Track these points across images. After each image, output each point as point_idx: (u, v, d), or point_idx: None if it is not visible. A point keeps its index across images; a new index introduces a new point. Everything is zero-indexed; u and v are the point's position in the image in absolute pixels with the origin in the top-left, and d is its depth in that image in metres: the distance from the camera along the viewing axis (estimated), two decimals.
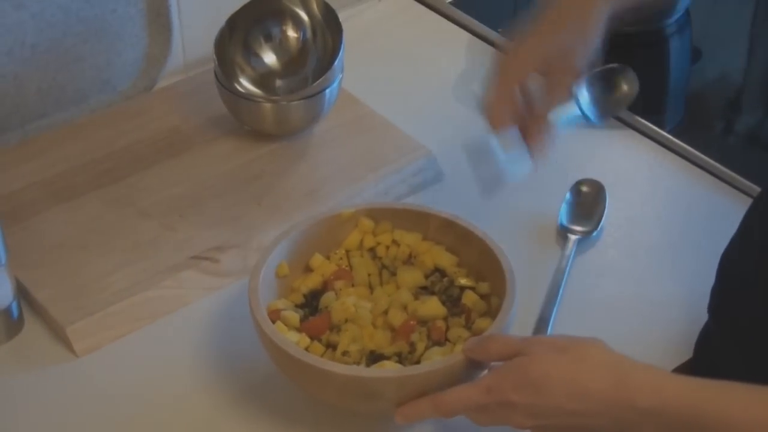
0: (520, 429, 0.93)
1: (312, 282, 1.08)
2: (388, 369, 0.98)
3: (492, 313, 1.03)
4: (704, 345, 1.07)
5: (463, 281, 1.07)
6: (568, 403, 0.89)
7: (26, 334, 1.12)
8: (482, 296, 1.06)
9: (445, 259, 1.09)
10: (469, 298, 1.06)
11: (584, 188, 1.25)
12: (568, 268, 1.16)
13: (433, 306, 1.05)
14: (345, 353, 1.00)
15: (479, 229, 1.08)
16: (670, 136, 1.34)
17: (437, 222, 1.10)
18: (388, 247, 1.11)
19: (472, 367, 0.96)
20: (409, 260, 1.10)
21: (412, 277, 1.08)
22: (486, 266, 1.06)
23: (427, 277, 1.08)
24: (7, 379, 1.08)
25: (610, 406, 0.87)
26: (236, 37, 1.31)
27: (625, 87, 1.20)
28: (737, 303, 1.01)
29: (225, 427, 1.03)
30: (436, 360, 0.97)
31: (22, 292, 1.12)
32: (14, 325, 1.11)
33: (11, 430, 1.03)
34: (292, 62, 1.33)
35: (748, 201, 1.25)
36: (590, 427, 0.90)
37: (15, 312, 1.11)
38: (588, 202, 1.24)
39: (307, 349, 1.01)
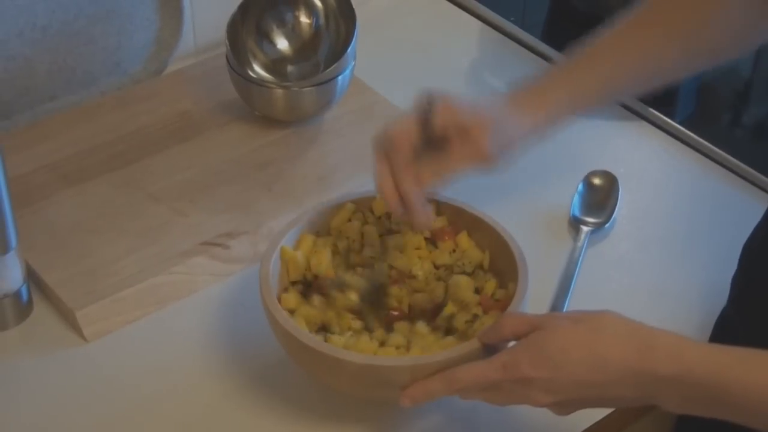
0: (538, 406, 0.91)
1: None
2: (402, 357, 0.97)
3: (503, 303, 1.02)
4: (721, 336, 1.07)
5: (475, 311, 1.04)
6: (587, 375, 0.88)
7: (36, 318, 1.11)
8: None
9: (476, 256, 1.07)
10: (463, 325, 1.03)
11: (596, 180, 1.25)
12: (580, 260, 1.16)
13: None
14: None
15: (489, 216, 1.07)
16: (681, 128, 1.34)
17: (448, 210, 1.09)
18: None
19: (488, 354, 0.94)
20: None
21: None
22: (496, 254, 1.06)
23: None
24: (16, 362, 1.08)
25: (631, 375, 0.86)
26: (248, 22, 1.30)
27: None
28: (762, 292, 1.01)
29: (234, 413, 1.03)
30: (451, 348, 0.96)
31: (31, 276, 1.12)
32: (24, 309, 1.11)
33: (20, 414, 1.03)
34: (305, 48, 1.33)
35: (759, 192, 1.26)
36: (609, 397, 0.89)
37: (25, 295, 1.11)
38: (600, 193, 1.23)
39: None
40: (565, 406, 0.91)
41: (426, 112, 1.03)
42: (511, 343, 0.94)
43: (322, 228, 1.08)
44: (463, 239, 1.07)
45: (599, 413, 1.03)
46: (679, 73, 1.13)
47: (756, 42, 1.11)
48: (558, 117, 1.07)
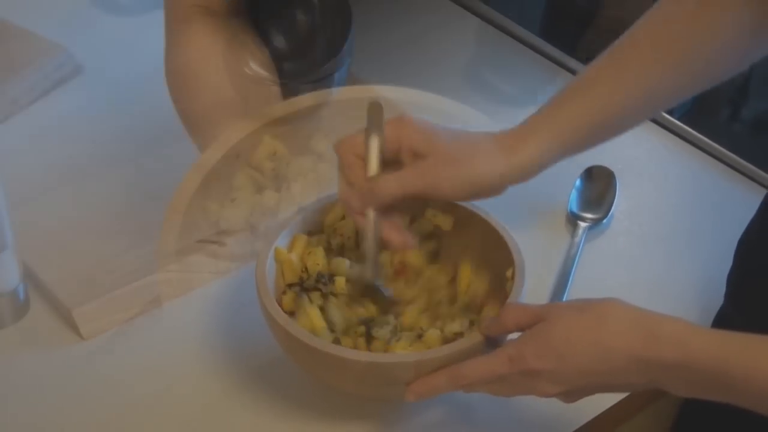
0: (545, 397, 0.91)
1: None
2: (407, 353, 0.97)
3: (500, 297, 1.02)
4: None
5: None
6: (592, 365, 0.88)
7: (32, 317, 1.11)
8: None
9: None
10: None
11: (594, 175, 1.25)
12: (577, 256, 1.16)
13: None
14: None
15: (482, 209, 1.06)
16: (679, 123, 1.34)
17: (440, 204, 1.08)
18: None
19: (493, 347, 0.94)
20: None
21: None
22: (490, 248, 1.05)
23: None
24: (13, 361, 1.08)
25: (636, 363, 0.86)
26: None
27: None
28: (757, 286, 1.00)
29: (232, 410, 1.03)
30: (455, 342, 0.96)
31: (28, 274, 1.12)
32: (21, 308, 1.11)
33: (17, 412, 1.03)
34: (301, 45, 1.32)
35: (757, 187, 1.26)
36: (616, 384, 0.89)
37: (21, 294, 1.10)
38: (598, 189, 1.23)
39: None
40: (571, 395, 0.91)
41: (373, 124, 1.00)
42: (513, 335, 0.94)
43: (314, 226, 1.08)
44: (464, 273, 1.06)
45: (598, 410, 1.03)
46: (676, 94, 1.04)
47: (755, 54, 1.02)
48: (542, 159, 1.00)
